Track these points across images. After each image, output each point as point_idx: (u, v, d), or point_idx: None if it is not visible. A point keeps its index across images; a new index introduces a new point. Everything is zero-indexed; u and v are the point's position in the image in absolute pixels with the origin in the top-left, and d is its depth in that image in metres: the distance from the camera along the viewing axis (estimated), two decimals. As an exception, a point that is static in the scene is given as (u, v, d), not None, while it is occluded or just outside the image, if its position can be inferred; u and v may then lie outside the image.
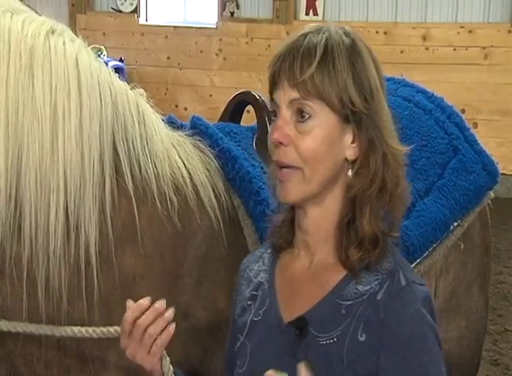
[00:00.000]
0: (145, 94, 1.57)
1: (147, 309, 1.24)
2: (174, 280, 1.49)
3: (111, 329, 1.36)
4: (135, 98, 1.52)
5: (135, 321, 1.24)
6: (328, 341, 1.19)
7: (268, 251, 1.35)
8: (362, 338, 1.17)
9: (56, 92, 1.35)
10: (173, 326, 1.25)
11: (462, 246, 1.99)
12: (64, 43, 1.40)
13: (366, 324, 1.17)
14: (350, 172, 1.22)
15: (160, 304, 1.25)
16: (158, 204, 1.48)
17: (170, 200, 1.49)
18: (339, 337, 1.18)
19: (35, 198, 1.33)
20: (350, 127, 1.21)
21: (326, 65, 1.18)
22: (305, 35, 1.21)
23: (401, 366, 1.15)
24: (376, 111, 1.21)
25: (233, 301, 1.38)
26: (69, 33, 1.46)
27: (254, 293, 1.32)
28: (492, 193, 2.05)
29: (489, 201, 2.08)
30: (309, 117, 1.19)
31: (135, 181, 1.45)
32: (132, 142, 1.46)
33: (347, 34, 1.23)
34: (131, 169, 1.45)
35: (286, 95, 1.20)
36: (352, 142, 1.21)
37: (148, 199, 1.47)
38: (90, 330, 1.37)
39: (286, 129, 1.19)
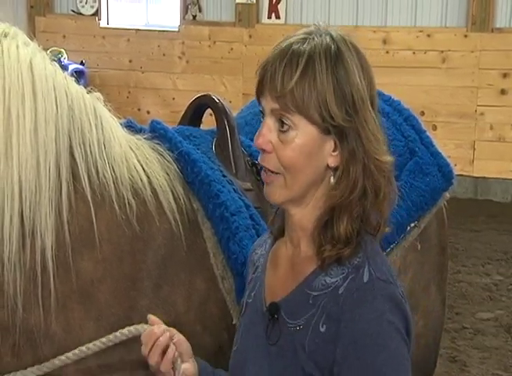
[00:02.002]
0: (102, 98, 1.56)
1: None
2: (133, 283, 1.48)
3: (132, 329, 1.38)
4: (92, 102, 1.50)
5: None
6: (295, 328, 1.24)
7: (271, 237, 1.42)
8: (323, 329, 1.21)
9: (10, 97, 1.32)
10: (173, 347, 1.33)
11: (419, 246, 2.02)
12: (18, 47, 1.38)
13: (328, 316, 1.21)
14: (332, 179, 1.25)
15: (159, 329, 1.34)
16: (116, 207, 1.46)
17: (128, 203, 1.48)
18: (304, 325, 1.23)
19: None
20: (331, 137, 1.23)
21: (307, 79, 1.19)
22: (291, 45, 1.22)
23: (355, 362, 1.17)
24: (360, 122, 1.22)
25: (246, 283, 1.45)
26: (22, 36, 1.43)
27: (253, 275, 1.40)
28: (447, 194, 2.08)
29: (446, 202, 2.12)
30: (289, 128, 1.22)
31: (92, 185, 1.44)
32: (89, 146, 1.44)
33: (334, 41, 1.22)
34: (88, 173, 1.43)
35: (269, 104, 1.23)
36: (334, 151, 1.24)
37: (106, 203, 1.46)
38: (111, 336, 1.38)
39: (268, 136, 1.24)
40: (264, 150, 1.25)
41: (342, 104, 1.20)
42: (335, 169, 1.25)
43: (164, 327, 1.35)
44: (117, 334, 1.39)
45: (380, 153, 1.25)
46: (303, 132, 1.21)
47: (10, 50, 1.36)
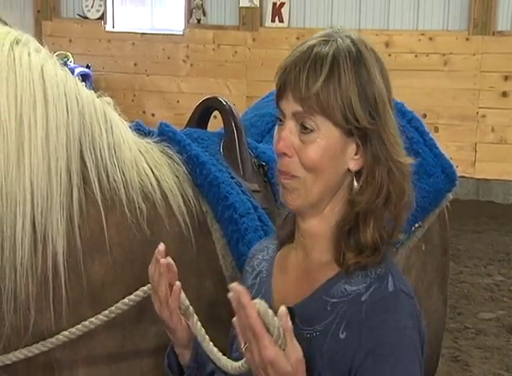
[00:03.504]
0: (112, 102, 1.55)
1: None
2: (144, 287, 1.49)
3: (139, 292, 1.39)
4: (102, 106, 1.50)
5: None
6: (311, 335, 1.21)
7: (274, 242, 1.38)
8: (343, 336, 1.18)
9: (22, 104, 1.32)
10: (178, 283, 1.31)
11: (423, 247, 2.02)
12: (29, 54, 1.38)
13: (348, 323, 1.18)
14: (356, 183, 1.22)
15: (167, 260, 1.32)
16: (127, 211, 1.46)
17: (139, 207, 1.48)
18: (322, 331, 1.20)
19: (1, 211, 1.30)
20: (353, 140, 1.20)
21: (332, 81, 1.17)
22: (312, 47, 1.20)
23: (371, 368, 1.15)
24: (381, 125, 1.20)
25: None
26: (34, 43, 1.43)
27: (254, 281, 1.36)
28: (450, 195, 2.09)
29: (448, 203, 2.13)
30: (312, 130, 1.19)
31: (102, 190, 1.44)
32: (100, 151, 1.44)
33: (354, 43, 1.21)
34: (98, 178, 1.43)
35: (291, 107, 1.20)
36: (355, 154, 1.21)
37: (116, 207, 1.46)
38: (126, 300, 1.39)
39: (290, 140, 1.20)
40: (284, 154, 1.21)
41: (366, 106, 1.19)
42: (356, 173, 1.22)
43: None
44: (131, 296, 1.40)
45: (402, 155, 1.23)
46: (326, 134, 1.19)
47: (22, 57, 1.36)
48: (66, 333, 1.38)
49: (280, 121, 1.24)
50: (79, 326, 1.38)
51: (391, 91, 1.24)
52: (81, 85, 1.49)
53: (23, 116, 1.33)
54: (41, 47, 1.45)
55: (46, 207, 1.34)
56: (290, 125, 1.21)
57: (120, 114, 1.58)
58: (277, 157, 1.24)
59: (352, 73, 1.18)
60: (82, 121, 1.42)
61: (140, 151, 1.57)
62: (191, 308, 1.33)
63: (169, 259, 1.33)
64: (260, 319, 1.06)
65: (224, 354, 1.29)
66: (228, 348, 1.38)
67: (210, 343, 1.30)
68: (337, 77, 1.17)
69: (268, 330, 1.06)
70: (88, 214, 1.42)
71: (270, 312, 1.07)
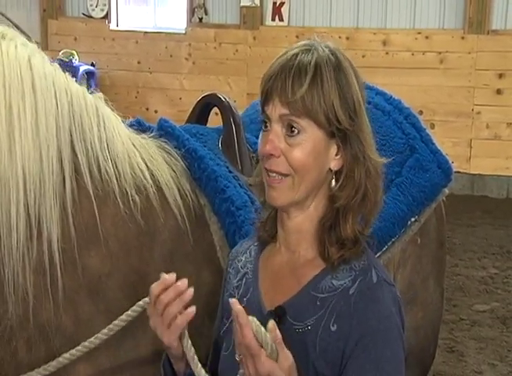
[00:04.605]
0: (104, 97, 1.54)
1: (171, 285, 1.24)
2: (141, 277, 1.47)
3: (140, 303, 1.31)
4: (93, 101, 1.48)
5: (159, 294, 1.23)
6: (303, 329, 1.24)
7: (256, 243, 1.41)
8: (334, 328, 1.22)
9: (11, 94, 1.31)
10: (193, 309, 1.23)
11: (419, 240, 2.00)
12: (16, 47, 1.37)
13: (338, 315, 1.22)
14: (333, 182, 1.28)
15: (183, 283, 1.24)
16: (120, 203, 1.45)
17: (132, 199, 1.47)
18: (313, 325, 1.24)
19: None
20: (334, 141, 1.26)
21: (315, 86, 1.23)
22: (296, 55, 1.25)
23: (362, 354, 1.19)
24: (359, 126, 1.26)
25: (222, 288, 1.43)
26: (21, 38, 1.42)
27: (240, 282, 1.38)
28: (446, 190, 2.07)
29: (444, 198, 2.10)
30: (298, 132, 1.24)
31: (94, 181, 1.42)
32: (90, 143, 1.43)
33: (332, 52, 1.28)
34: (89, 169, 1.42)
35: (277, 111, 1.24)
36: (336, 155, 1.27)
37: (110, 199, 1.45)
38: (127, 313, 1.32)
39: (276, 142, 1.24)
40: (271, 156, 1.25)
41: (346, 109, 1.24)
42: (336, 172, 1.27)
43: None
44: (129, 312, 1.33)
45: (376, 154, 1.29)
46: (311, 135, 1.24)
47: (9, 50, 1.35)
48: (79, 348, 1.35)
49: (265, 126, 1.27)
50: (93, 339, 1.35)
51: (363, 94, 1.31)
52: (71, 80, 1.47)
53: (12, 104, 1.31)
54: (28, 42, 1.44)
55: (39, 194, 1.34)
56: (276, 129, 1.25)
57: (115, 110, 1.57)
58: (262, 160, 1.28)
59: (333, 79, 1.24)
60: (72, 112, 1.41)
61: (134, 145, 1.56)
62: (186, 332, 1.26)
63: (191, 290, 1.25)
64: (254, 338, 1.11)
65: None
66: (213, 343, 1.40)
67: (199, 365, 1.26)
68: (319, 82, 1.23)
69: (261, 345, 1.12)
70: (81, 205, 1.41)
71: (262, 329, 1.13)
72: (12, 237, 1.31)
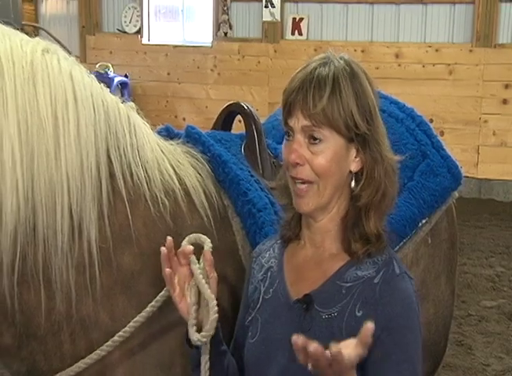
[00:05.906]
0: (136, 107, 1.54)
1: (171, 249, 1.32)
2: None
3: (162, 292, 1.37)
4: (126, 110, 1.49)
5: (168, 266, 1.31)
6: (330, 315, 1.27)
7: (279, 241, 1.42)
8: (359, 314, 1.24)
9: (56, 103, 1.32)
10: (190, 247, 1.32)
11: (430, 241, 1.97)
12: (59, 60, 1.38)
13: (364, 302, 1.25)
14: (353, 183, 1.29)
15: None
16: (151, 206, 1.45)
17: (162, 202, 1.47)
18: (339, 312, 1.26)
19: (45, 200, 1.30)
20: (354, 144, 1.27)
21: (335, 96, 1.23)
22: (314, 69, 1.26)
23: (386, 339, 1.21)
24: (375, 129, 1.28)
25: (246, 282, 1.44)
26: (62, 52, 1.43)
27: (265, 275, 1.39)
28: (456, 193, 2.04)
29: (454, 201, 2.07)
30: (320, 140, 1.25)
31: (127, 186, 1.43)
32: (124, 150, 1.43)
33: (347, 62, 1.28)
34: (123, 175, 1.43)
35: (300, 122, 1.25)
36: (355, 157, 1.28)
37: (141, 202, 1.45)
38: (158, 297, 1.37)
39: (300, 151, 1.26)
40: (297, 164, 1.26)
41: (363, 115, 1.25)
42: (356, 173, 1.28)
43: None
44: (154, 302, 1.38)
45: (391, 153, 1.31)
46: (332, 143, 1.25)
47: (53, 62, 1.36)
48: (121, 333, 1.38)
49: (288, 135, 1.28)
50: (127, 328, 1.38)
51: (377, 100, 1.32)
52: (106, 90, 1.48)
53: (57, 113, 1.32)
54: (68, 56, 1.44)
55: (81, 197, 1.34)
56: (299, 138, 1.26)
57: (144, 118, 1.56)
58: (287, 168, 1.29)
59: (350, 87, 1.25)
60: (108, 121, 1.42)
61: (163, 152, 1.56)
62: (193, 257, 1.32)
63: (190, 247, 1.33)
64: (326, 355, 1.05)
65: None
66: (236, 333, 1.42)
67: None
68: (338, 93, 1.24)
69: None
70: (115, 207, 1.41)
71: (194, 258, 1.29)
72: (58, 238, 1.32)
